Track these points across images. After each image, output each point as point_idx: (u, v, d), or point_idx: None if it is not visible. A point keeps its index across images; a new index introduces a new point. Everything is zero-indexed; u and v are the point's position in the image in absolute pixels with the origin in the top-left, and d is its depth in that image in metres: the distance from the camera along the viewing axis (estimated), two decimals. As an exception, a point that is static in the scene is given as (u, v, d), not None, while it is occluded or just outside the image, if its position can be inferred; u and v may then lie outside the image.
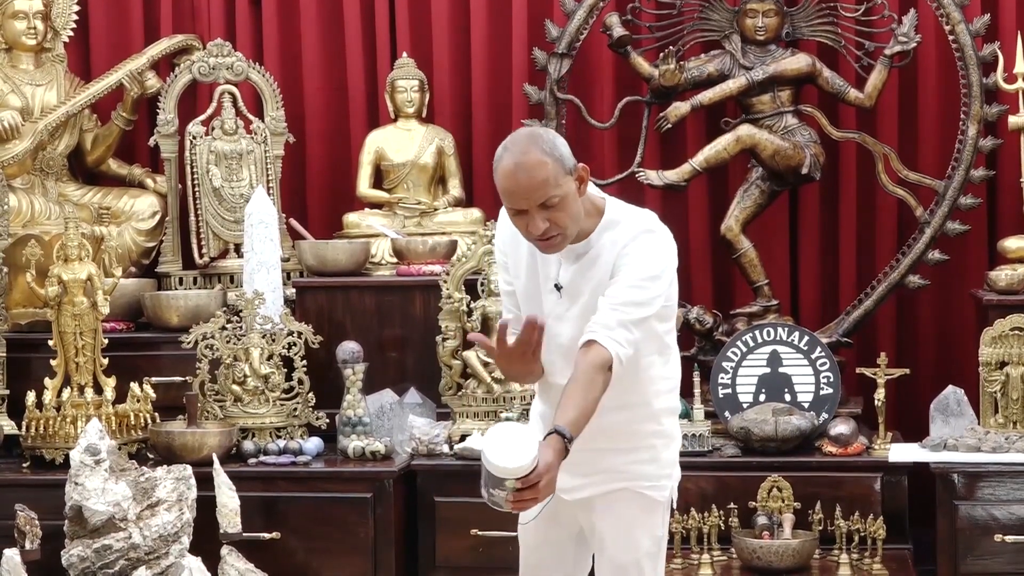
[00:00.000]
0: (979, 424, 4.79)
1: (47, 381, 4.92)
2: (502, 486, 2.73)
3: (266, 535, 4.70)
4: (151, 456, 4.92)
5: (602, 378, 2.87)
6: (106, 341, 5.03)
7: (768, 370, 4.98)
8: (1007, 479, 4.50)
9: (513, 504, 2.75)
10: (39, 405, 4.88)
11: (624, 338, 2.88)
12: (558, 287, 3.03)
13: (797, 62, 5.34)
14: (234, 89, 5.74)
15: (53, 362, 4.96)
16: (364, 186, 5.82)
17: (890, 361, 4.98)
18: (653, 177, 5.36)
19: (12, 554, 4.34)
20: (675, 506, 3.21)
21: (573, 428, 2.81)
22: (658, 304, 2.96)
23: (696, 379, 4.97)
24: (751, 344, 5.00)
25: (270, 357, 5.02)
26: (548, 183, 2.87)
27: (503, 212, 3.07)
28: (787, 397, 4.93)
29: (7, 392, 5.06)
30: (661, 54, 5.37)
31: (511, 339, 2.89)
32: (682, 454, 4.32)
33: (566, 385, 2.89)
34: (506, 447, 2.73)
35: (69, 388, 4.93)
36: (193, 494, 4.47)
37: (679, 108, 5.39)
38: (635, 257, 2.95)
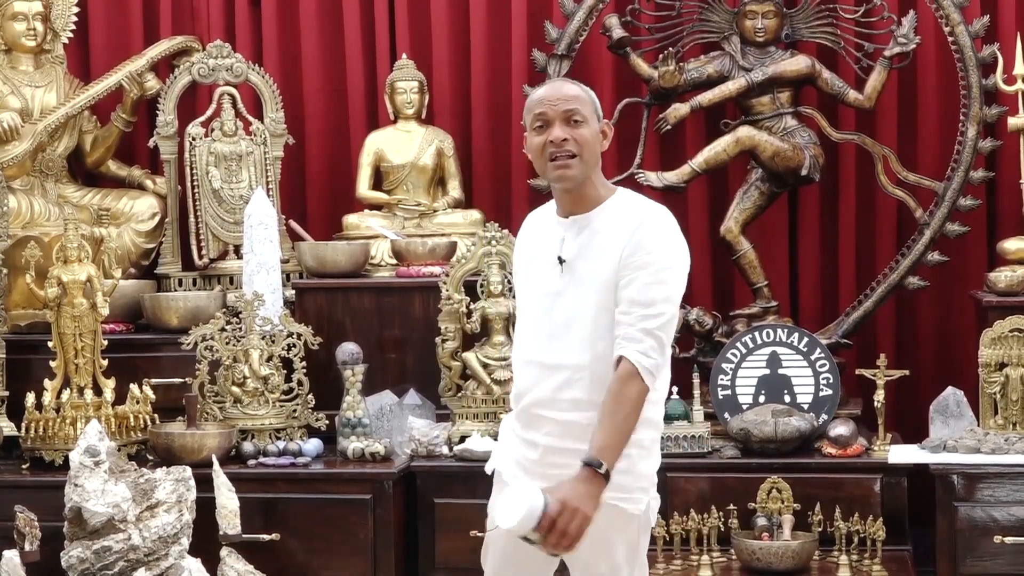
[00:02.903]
0: (978, 425, 4.79)
1: (47, 382, 4.92)
2: (528, 540, 2.81)
3: (266, 536, 4.70)
4: (151, 457, 4.92)
5: (629, 389, 2.88)
6: (106, 342, 5.03)
7: (768, 371, 4.98)
8: (1006, 480, 4.50)
9: (552, 548, 2.81)
10: (39, 406, 4.87)
11: (648, 347, 2.90)
12: (561, 260, 3.05)
13: (796, 63, 5.34)
14: (233, 90, 5.73)
15: (53, 363, 4.95)
16: (364, 187, 5.83)
17: (890, 362, 4.97)
18: (652, 178, 5.36)
19: (12, 555, 4.35)
20: (654, 525, 3.16)
21: (600, 453, 2.83)
22: (679, 295, 2.97)
23: (696, 380, 4.97)
24: (751, 345, 5.00)
25: (270, 358, 5.02)
26: (578, 99, 3.04)
27: (528, 218, 3.20)
28: (787, 398, 4.93)
29: (7, 393, 5.06)
30: (660, 55, 5.37)
31: None
32: (682, 455, 4.31)
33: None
34: (508, 508, 2.80)
35: (69, 389, 4.93)
36: (193, 495, 4.47)
37: (679, 109, 5.39)
38: (650, 252, 2.95)
